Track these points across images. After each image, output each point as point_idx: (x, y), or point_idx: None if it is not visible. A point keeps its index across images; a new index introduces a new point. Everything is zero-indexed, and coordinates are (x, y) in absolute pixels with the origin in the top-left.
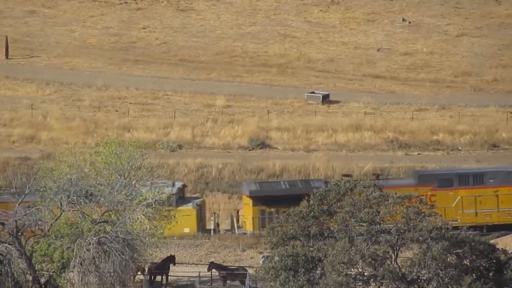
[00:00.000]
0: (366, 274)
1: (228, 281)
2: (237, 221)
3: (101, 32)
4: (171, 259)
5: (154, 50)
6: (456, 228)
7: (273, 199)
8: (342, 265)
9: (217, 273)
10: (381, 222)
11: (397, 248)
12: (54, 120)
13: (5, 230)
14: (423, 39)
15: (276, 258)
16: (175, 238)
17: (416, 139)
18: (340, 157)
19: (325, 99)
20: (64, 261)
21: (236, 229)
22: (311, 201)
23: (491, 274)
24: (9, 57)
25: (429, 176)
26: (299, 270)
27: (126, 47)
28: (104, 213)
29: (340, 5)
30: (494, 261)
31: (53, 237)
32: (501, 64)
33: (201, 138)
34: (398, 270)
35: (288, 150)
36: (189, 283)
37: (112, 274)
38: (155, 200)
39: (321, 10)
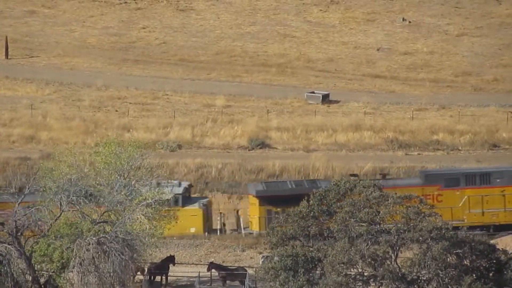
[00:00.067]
0: (366, 274)
1: (227, 281)
2: (238, 221)
3: (101, 32)
4: (170, 259)
5: (154, 50)
6: (456, 228)
7: (279, 199)
8: (342, 265)
9: (216, 273)
10: (381, 222)
11: (397, 248)
12: (53, 120)
13: (5, 230)
14: (423, 39)
15: (276, 258)
16: (174, 238)
17: (416, 139)
18: (340, 157)
19: (325, 99)
20: (63, 261)
21: (242, 229)
22: (311, 201)
23: (491, 274)
24: (9, 57)
25: (435, 175)
26: (299, 270)
27: (125, 47)
28: (103, 213)
29: (340, 5)
30: (494, 261)
31: (53, 237)
32: (501, 64)
33: (200, 138)
34: (398, 270)
35: (288, 150)
36: (188, 283)
37: (111, 274)
38: (155, 200)
39: (320, 10)
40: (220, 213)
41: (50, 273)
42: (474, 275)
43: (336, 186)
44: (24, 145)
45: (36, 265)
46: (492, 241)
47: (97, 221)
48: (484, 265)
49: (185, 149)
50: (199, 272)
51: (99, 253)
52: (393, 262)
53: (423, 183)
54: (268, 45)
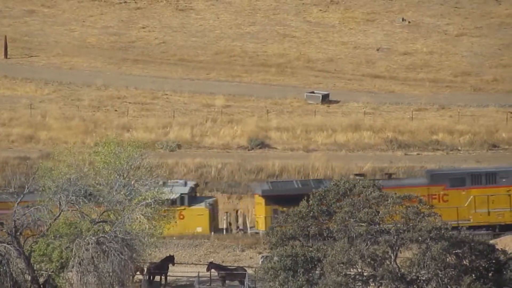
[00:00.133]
0: (365, 274)
1: (227, 281)
2: (237, 221)
3: (100, 31)
4: (170, 259)
5: (153, 50)
6: (455, 228)
7: (285, 198)
8: (341, 265)
9: (216, 273)
10: (381, 222)
11: (397, 248)
12: (53, 119)
13: (4, 230)
14: (423, 39)
15: (275, 258)
16: (174, 238)
17: (416, 139)
18: (339, 157)
19: (325, 99)
20: (62, 261)
21: (248, 229)
22: (311, 201)
23: (490, 274)
24: (8, 57)
25: (441, 175)
26: (298, 270)
27: (125, 46)
28: (103, 212)
29: (340, 5)
30: (494, 261)
31: (52, 237)
32: (501, 64)
33: (200, 138)
34: (397, 270)
35: (288, 150)
36: (188, 283)
37: (111, 274)
38: (155, 200)
39: (320, 10)
40: (226, 212)
41: (49, 273)
42: (473, 275)
43: (335, 186)
44: (23, 144)
45: (35, 264)
46: (491, 241)
47: (97, 220)
48: (483, 265)
49: (184, 149)
50: (199, 272)
51: (98, 252)
52: (392, 262)
53: (429, 183)
54: (268, 45)
